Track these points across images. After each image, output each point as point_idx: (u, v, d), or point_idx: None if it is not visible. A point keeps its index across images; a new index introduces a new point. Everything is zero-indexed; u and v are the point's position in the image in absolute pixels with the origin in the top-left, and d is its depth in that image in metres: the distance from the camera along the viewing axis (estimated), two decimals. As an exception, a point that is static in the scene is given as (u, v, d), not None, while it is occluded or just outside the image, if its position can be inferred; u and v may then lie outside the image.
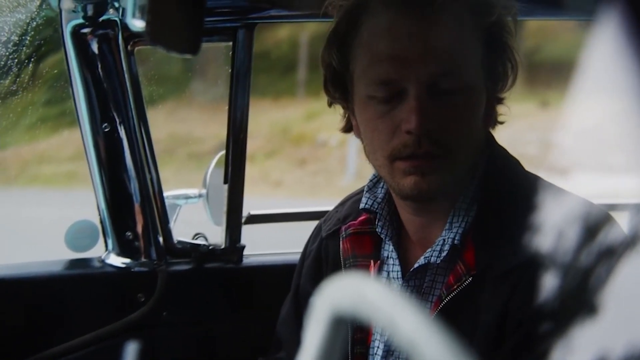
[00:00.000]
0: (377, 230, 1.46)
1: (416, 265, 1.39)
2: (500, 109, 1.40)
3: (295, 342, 1.57)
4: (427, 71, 1.28)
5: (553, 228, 0.77)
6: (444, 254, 1.35)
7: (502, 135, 1.44)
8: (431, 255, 1.37)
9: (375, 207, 1.47)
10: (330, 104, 1.48)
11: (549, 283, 0.76)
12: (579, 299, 0.71)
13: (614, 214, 1.16)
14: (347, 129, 1.48)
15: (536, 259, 0.79)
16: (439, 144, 1.30)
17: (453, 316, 1.28)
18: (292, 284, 1.66)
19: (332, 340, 0.73)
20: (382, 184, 1.49)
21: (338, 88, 1.42)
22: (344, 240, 1.50)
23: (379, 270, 1.45)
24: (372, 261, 1.46)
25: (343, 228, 1.52)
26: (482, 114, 1.36)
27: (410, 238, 1.45)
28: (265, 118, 10.37)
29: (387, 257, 1.46)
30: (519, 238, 1.19)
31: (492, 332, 1.28)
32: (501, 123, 1.41)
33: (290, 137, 11.36)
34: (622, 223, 1.13)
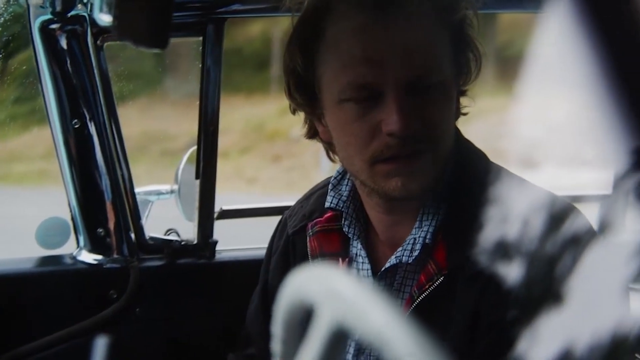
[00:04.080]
0: (344, 229, 1.45)
1: (387, 264, 1.38)
2: (464, 101, 1.41)
3: (264, 337, 1.56)
4: (404, 72, 1.27)
5: (521, 223, 0.77)
6: (415, 253, 1.34)
7: (476, 129, 1.44)
8: (402, 255, 1.36)
9: (341, 205, 1.45)
10: (294, 111, 1.45)
11: (518, 279, 0.77)
12: (549, 294, 0.72)
13: (583, 205, 1.17)
14: (312, 134, 1.46)
15: (505, 257, 0.80)
16: (422, 140, 1.28)
17: (425, 315, 1.25)
18: (259, 280, 1.65)
19: (300, 336, 0.73)
20: (346, 181, 1.48)
21: (304, 93, 1.39)
22: (311, 238, 1.49)
23: (348, 268, 1.44)
24: (340, 259, 1.45)
25: (309, 225, 1.51)
26: (454, 107, 1.36)
27: (378, 236, 1.44)
28: (238, 114, 10.34)
29: (356, 255, 1.45)
30: (489, 237, 1.18)
31: (465, 332, 1.28)
32: (464, 114, 1.41)
33: (264, 133, 11.34)
34: (591, 213, 1.14)
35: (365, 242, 1.44)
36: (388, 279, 1.39)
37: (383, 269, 1.39)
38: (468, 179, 1.35)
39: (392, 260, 1.37)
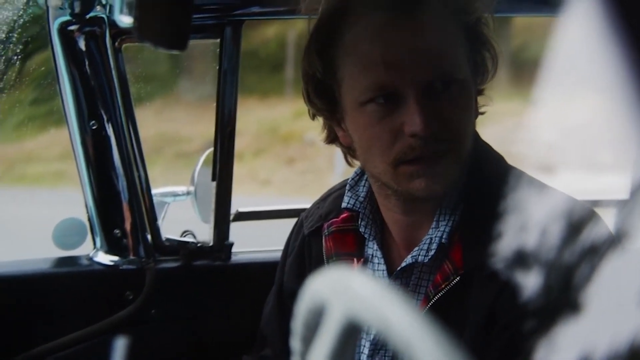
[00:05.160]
0: (360, 229, 1.46)
1: (403, 264, 1.39)
2: (481, 100, 1.41)
3: (279, 339, 1.56)
4: (424, 74, 1.28)
5: (539, 226, 0.77)
6: (431, 252, 1.35)
7: (491, 133, 1.45)
8: (418, 254, 1.36)
9: (358, 206, 1.46)
10: (313, 117, 1.45)
11: (535, 282, 0.76)
12: (565, 298, 0.71)
13: (600, 209, 1.17)
14: (332, 139, 1.46)
15: (522, 259, 0.80)
16: (444, 140, 1.30)
17: (441, 315, 1.26)
18: (275, 281, 1.66)
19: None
20: (363, 182, 1.48)
21: (323, 98, 1.39)
22: (326, 238, 1.50)
23: (363, 268, 1.45)
24: (355, 259, 1.46)
25: (325, 225, 1.51)
26: (473, 106, 1.36)
27: (393, 237, 1.45)
28: (253, 116, 10.35)
29: (372, 256, 1.45)
30: (506, 238, 1.18)
31: (480, 332, 1.28)
32: (482, 114, 1.42)
33: (278, 136, 11.34)
34: (608, 218, 1.14)
35: (381, 242, 1.45)
36: (404, 279, 1.40)
37: (399, 268, 1.39)
38: (485, 179, 1.36)
39: (408, 259, 1.38)
